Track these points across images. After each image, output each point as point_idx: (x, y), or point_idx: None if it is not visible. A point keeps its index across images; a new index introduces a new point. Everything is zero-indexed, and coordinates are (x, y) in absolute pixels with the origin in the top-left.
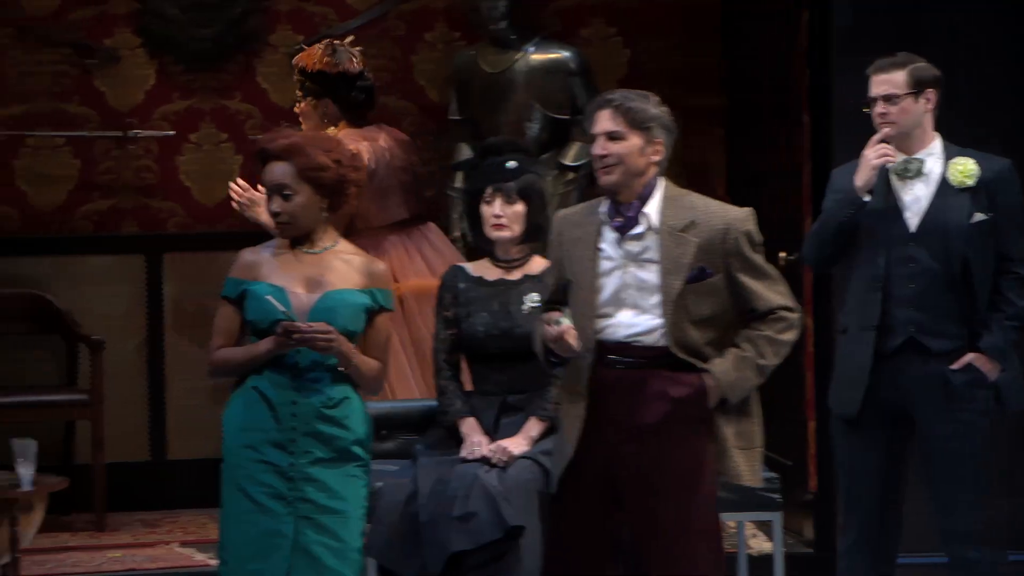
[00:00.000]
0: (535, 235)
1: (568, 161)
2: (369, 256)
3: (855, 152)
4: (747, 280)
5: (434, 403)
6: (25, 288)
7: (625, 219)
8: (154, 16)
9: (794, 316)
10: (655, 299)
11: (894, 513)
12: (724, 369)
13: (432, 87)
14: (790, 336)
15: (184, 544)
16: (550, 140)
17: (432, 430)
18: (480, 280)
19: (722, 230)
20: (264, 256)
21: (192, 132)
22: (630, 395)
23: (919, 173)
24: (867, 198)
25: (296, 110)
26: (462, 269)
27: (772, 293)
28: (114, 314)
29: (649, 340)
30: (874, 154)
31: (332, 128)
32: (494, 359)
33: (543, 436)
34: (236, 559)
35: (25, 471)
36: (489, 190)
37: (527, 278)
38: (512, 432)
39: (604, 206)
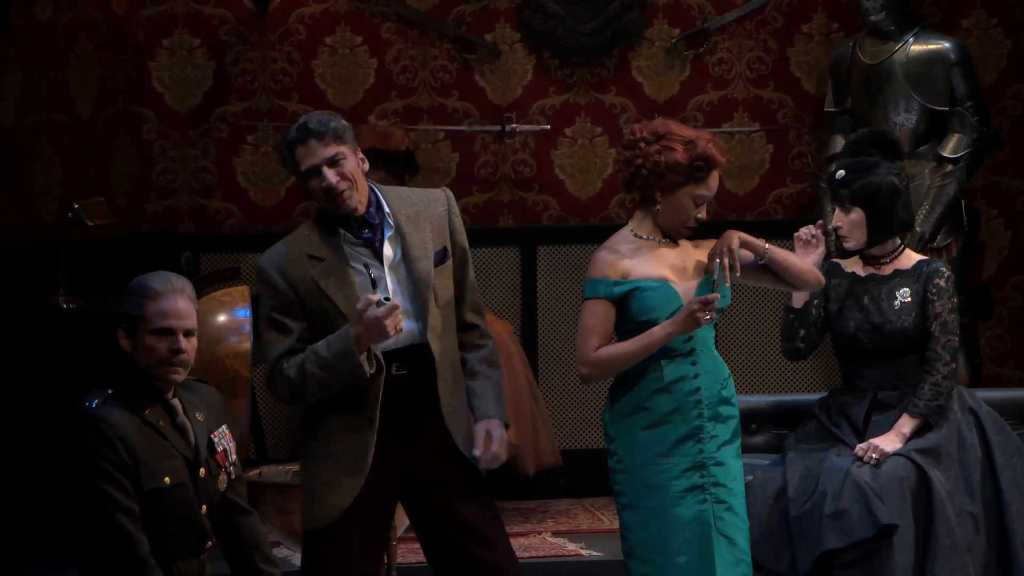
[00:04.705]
0: (889, 232)
1: (947, 153)
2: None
3: None
4: (460, 268)
5: (805, 397)
6: None
7: (372, 227)
8: (535, 11)
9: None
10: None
11: None
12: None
13: (808, 79)
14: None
15: (556, 534)
16: (928, 131)
17: (803, 424)
18: (852, 276)
19: (443, 212)
20: (626, 254)
21: (568, 126)
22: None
23: None
24: None
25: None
26: (836, 265)
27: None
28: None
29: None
30: None
31: None
32: (867, 355)
33: (916, 433)
34: (662, 554)
35: None
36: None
37: (897, 273)
38: (883, 429)
39: (331, 233)
